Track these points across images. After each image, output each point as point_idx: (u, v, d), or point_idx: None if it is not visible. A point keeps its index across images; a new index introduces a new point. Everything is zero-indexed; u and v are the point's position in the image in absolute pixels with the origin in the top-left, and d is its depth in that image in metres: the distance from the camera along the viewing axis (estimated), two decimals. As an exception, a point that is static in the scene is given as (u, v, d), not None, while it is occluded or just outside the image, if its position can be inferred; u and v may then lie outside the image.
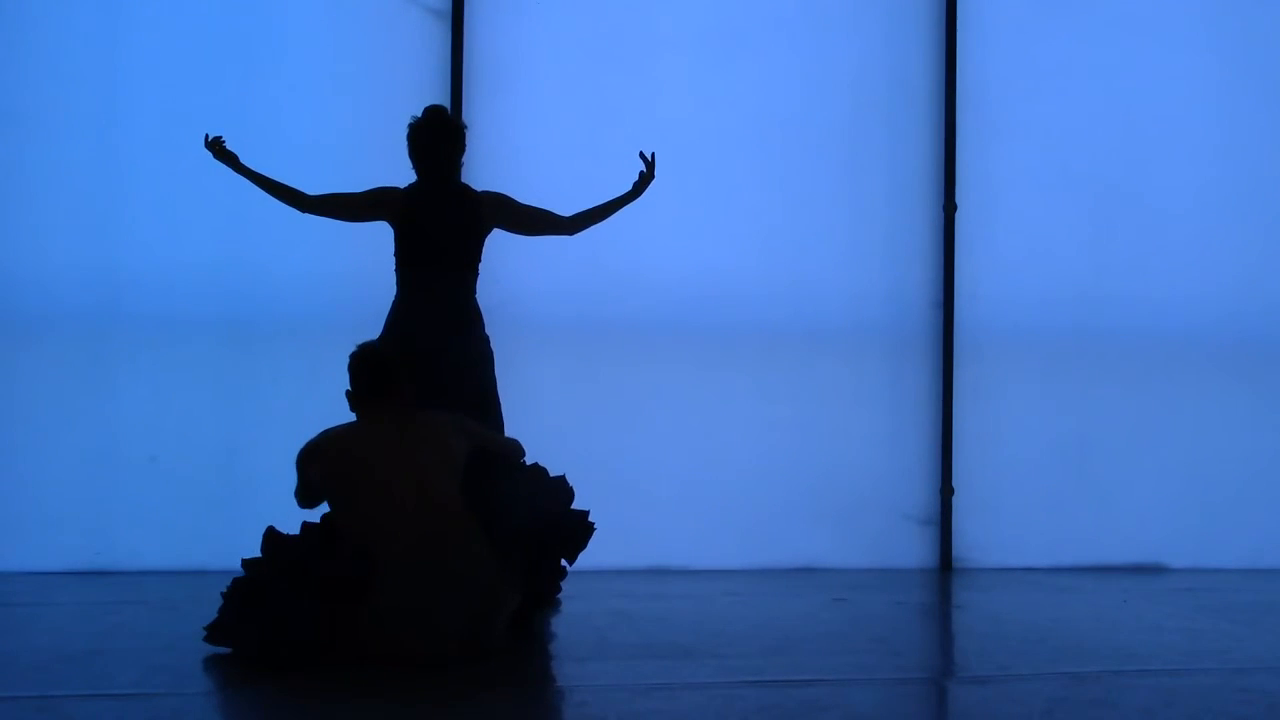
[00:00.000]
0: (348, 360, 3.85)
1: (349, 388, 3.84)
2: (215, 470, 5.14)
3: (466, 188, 4.56)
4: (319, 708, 3.07)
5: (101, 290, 5.11)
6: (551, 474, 4.25)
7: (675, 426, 5.48)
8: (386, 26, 5.33)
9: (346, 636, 3.51)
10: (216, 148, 4.42)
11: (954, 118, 5.73)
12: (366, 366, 3.85)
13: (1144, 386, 5.85)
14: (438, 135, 4.44)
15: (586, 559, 5.07)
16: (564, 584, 4.54)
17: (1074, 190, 5.83)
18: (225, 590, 3.69)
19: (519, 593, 3.74)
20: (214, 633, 3.63)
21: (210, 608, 3.93)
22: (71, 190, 5.11)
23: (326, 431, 3.85)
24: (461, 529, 3.64)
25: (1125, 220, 5.86)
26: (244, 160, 4.46)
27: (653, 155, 4.62)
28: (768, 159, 5.62)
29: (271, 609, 3.50)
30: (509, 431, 4.48)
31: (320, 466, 3.74)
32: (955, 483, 5.69)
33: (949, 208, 5.72)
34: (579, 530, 4.16)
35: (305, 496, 3.88)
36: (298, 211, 4.48)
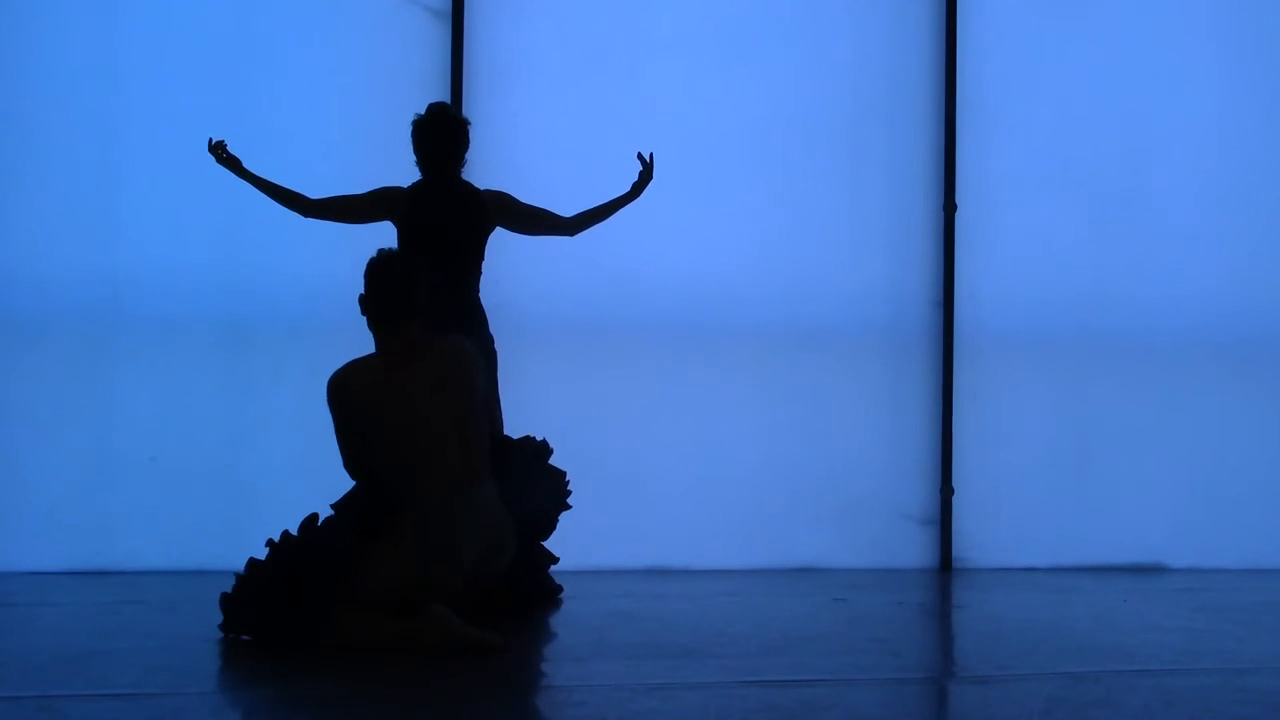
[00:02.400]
0: (366, 268, 3.81)
1: (364, 295, 3.82)
2: (215, 470, 5.14)
3: (469, 186, 4.57)
4: (318, 708, 3.07)
5: (101, 291, 5.11)
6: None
7: (675, 426, 5.48)
8: (386, 27, 5.33)
9: (372, 575, 3.62)
10: (219, 153, 4.44)
11: (954, 117, 5.73)
12: (388, 285, 3.77)
13: (1144, 386, 5.85)
14: (441, 131, 4.46)
15: (587, 559, 5.09)
16: (564, 584, 4.55)
17: (1074, 190, 5.83)
18: (240, 574, 3.76)
19: (517, 538, 3.95)
20: (229, 609, 3.73)
21: (209, 607, 3.93)
22: (71, 191, 5.11)
23: (350, 367, 3.81)
24: (484, 466, 3.83)
25: (1125, 220, 5.86)
26: (245, 163, 4.47)
27: (650, 155, 4.63)
28: (767, 159, 5.62)
29: (294, 566, 3.63)
30: (509, 432, 4.49)
31: (346, 407, 3.76)
32: (955, 483, 5.69)
33: (949, 208, 5.72)
34: (560, 492, 4.43)
35: (348, 446, 3.82)
36: (300, 216, 4.50)
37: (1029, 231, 5.78)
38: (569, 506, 4.45)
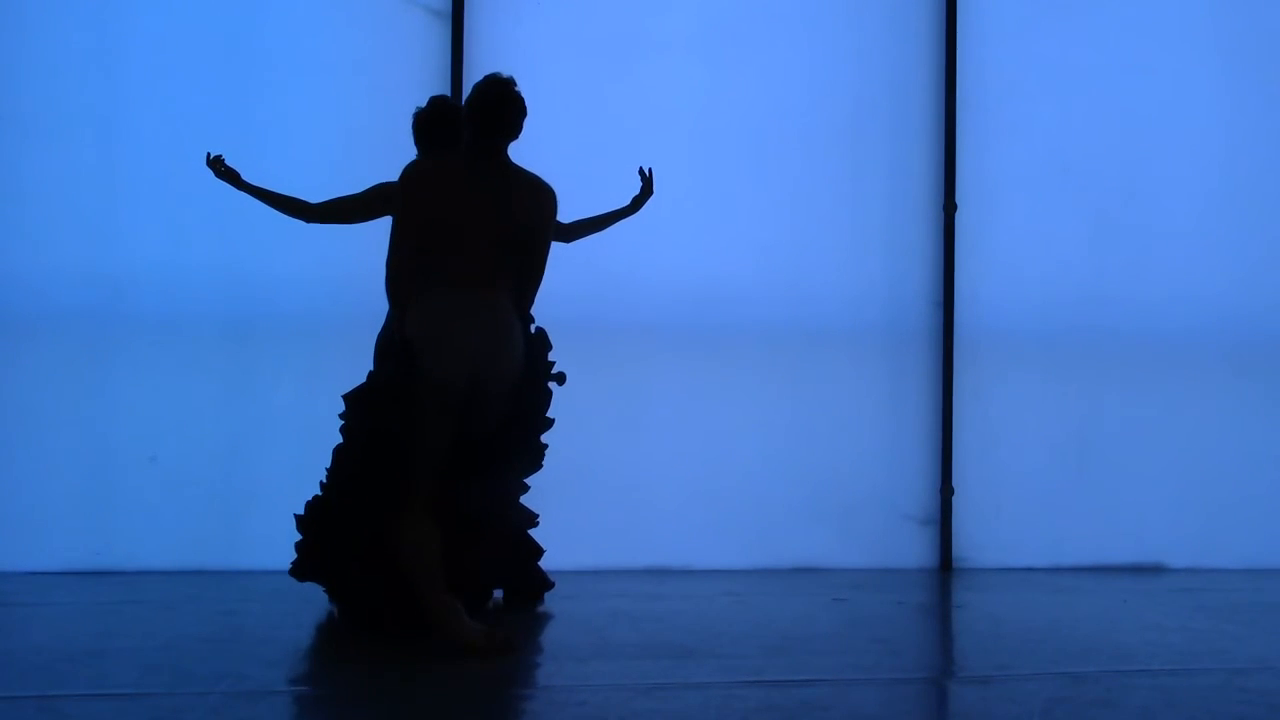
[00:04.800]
0: (481, 84, 3.91)
1: (472, 112, 3.91)
2: (215, 470, 5.14)
3: (467, 182, 4.58)
4: (318, 708, 3.07)
5: (101, 290, 5.11)
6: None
7: (675, 427, 5.48)
8: (387, 27, 5.33)
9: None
10: (217, 166, 4.46)
11: (954, 118, 5.73)
12: (502, 101, 3.89)
13: (1144, 387, 5.84)
14: (443, 125, 4.47)
15: (587, 559, 5.09)
16: (564, 585, 4.55)
17: (1074, 190, 5.83)
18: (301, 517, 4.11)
19: (525, 346, 3.99)
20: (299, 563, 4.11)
21: (209, 607, 3.94)
22: (72, 190, 5.11)
23: (431, 158, 4.05)
24: (506, 284, 3.91)
25: (1125, 220, 5.86)
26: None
27: (650, 171, 4.63)
28: (768, 159, 5.61)
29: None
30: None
31: (411, 186, 3.87)
32: (955, 483, 5.68)
33: (949, 208, 5.72)
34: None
35: (399, 241, 3.90)
36: (304, 223, 4.52)
37: (1029, 231, 5.78)
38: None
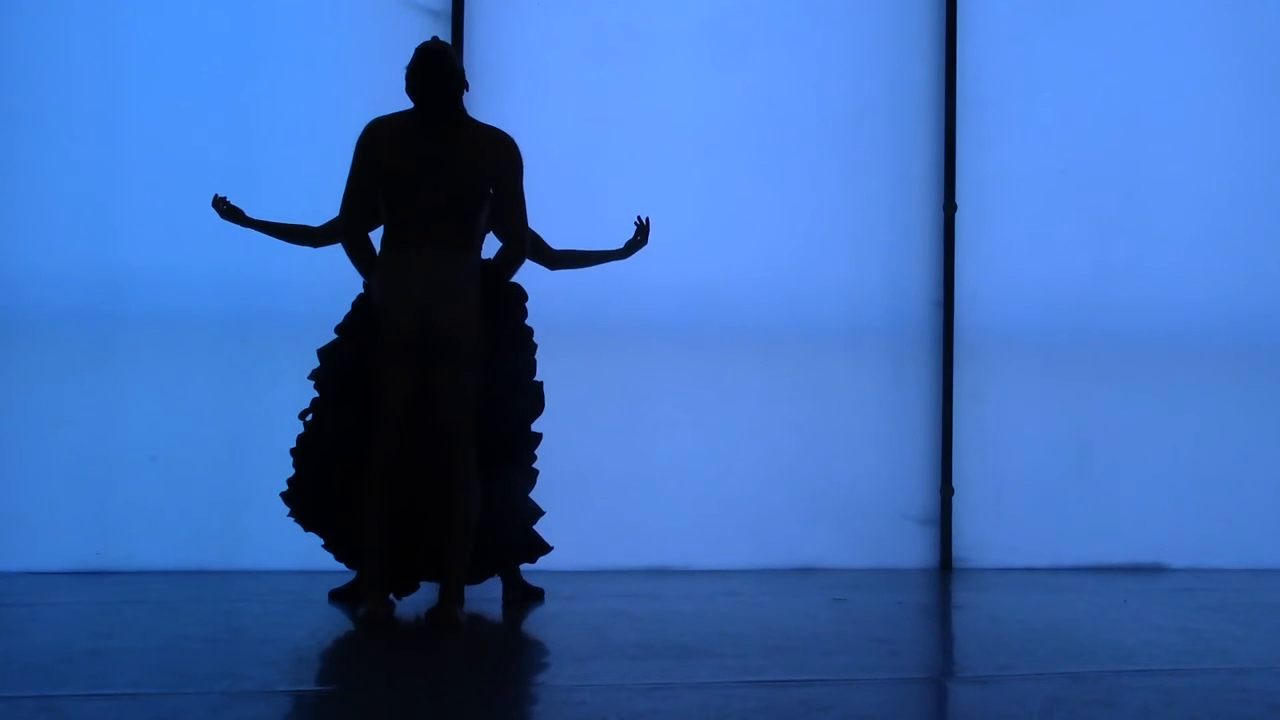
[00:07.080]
0: (418, 53, 3.96)
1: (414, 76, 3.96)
2: (215, 470, 5.14)
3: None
4: (318, 707, 3.07)
5: (101, 290, 5.11)
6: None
7: (676, 427, 5.48)
8: (386, 27, 5.33)
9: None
10: (221, 207, 4.47)
11: (954, 118, 5.73)
12: (432, 64, 3.92)
13: (1144, 387, 5.85)
14: None
15: (587, 559, 5.09)
16: (564, 585, 4.55)
17: (1074, 191, 5.83)
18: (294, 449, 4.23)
19: (476, 292, 4.03)
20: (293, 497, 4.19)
21: (209, 607, 3.93)
22: (72, 190, 5.11)
23: (389, 115, 4.04)
24: (467, 238, 3.97)
25: (1125, 221, 5.86)
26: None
27: (647, 220, 4.63)
28: (768, 159, 5.62)
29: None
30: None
31: (368, 140, 3.98)
32: (955, 483, 5.68)
33: (949, 208, 5.72)
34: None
35: (352, 194, 4.01)
36: (313, 249, 4.54)
37: (1029, 231, 5.78)
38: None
